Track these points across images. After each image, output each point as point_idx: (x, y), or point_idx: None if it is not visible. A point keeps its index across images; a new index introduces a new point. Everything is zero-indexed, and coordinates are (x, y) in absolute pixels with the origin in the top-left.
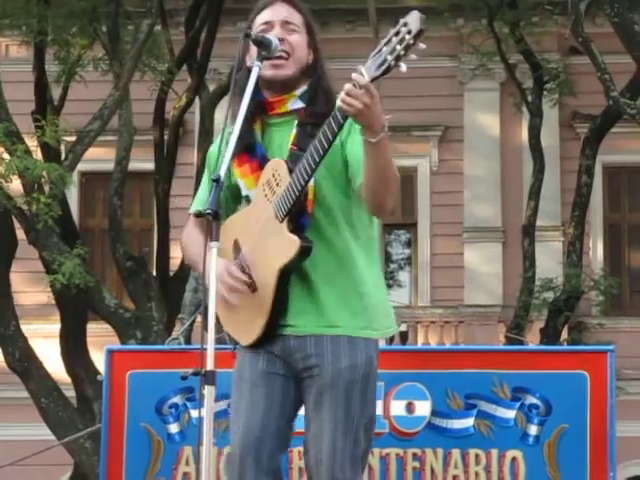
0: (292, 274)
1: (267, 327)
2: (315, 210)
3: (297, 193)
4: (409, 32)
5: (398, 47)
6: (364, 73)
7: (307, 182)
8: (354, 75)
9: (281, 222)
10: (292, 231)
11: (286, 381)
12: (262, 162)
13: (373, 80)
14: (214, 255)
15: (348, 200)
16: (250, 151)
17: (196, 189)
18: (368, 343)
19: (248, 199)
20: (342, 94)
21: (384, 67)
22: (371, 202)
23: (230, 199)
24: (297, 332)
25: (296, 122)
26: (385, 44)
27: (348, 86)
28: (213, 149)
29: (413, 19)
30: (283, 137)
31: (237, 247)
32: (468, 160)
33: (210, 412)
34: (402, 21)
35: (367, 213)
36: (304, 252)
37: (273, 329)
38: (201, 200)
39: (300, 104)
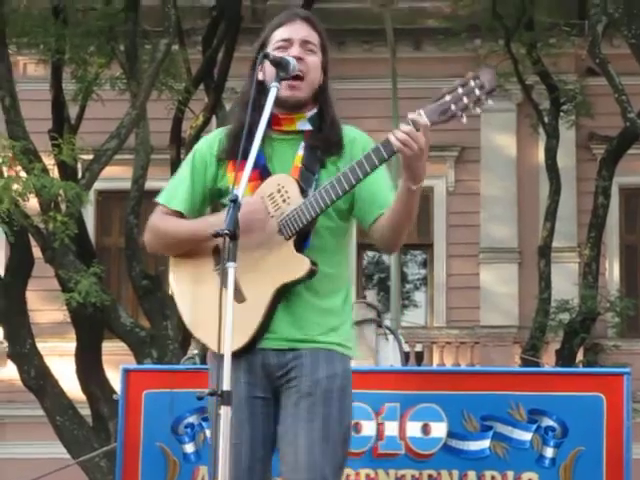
0: (287, 291)
1: (255, 337)
2: (317, 234)
3: (313, 215)
4: (481, 87)
5: (466, 99)
6: (424, 117)
7: (328, 207)
8: (414, 117)
9: (287, 240)
10: (297, 251)
11: (267, 403)
12: (263, 172)
13: (432, 125)
14: (231, 275)
15: (340, 228)
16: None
17: None
18: (344, 359)
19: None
20: (399, 133)
21: (447, 115)
22: (388, 239)
23: (203, 200)
24: (277, 345)
25: (303, 143)
26: (449, 92)
27: (408, 127)
28: (202, 147)
29: (488, 76)
30: (286, 154)
31: (218, 251)
32: (485, 181)
33: (227, 432)
34: (472, 74)
35: (348, 240)
36: (312, 273)
37: (257, 341)
38: (178, 196)
39: (308, 126)
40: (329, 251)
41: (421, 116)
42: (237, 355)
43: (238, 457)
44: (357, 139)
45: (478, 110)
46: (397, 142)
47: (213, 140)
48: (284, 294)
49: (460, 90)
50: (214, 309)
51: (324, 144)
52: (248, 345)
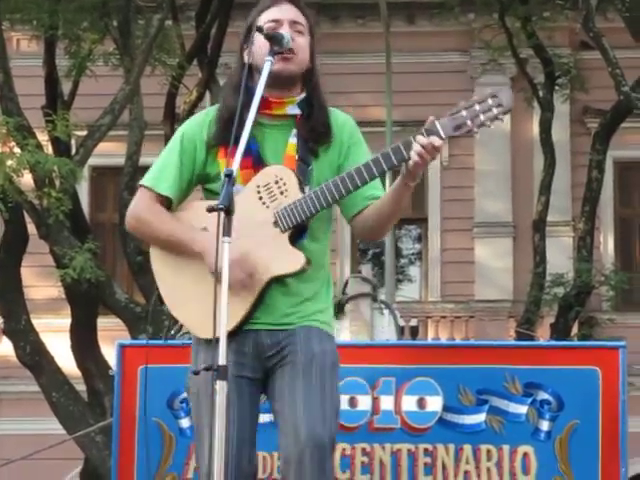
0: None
1: (242, 322)
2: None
3: (315, 211)
4: (499, 106)
5: (482, 117)
6: (439, 130)
7: (330, 205)
8: (431, 138)
9: (283, 232)
10: (292, 244)
11: (254, 384)
12: (255, 160)
13: (447, 139)
14: (227, 249)
15: (326, 214)
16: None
17: None
18: (332, 339)
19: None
20: (417, 147)
21: (463, 131)
22: (372, 232)
23: (190, 185)
24: (269, 327)
25: (294, 131)
26: (466, 108)
27: (424, 139)
28: (190, 130)
29: (506, 96)
30: (278, 141)
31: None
32: (478, 155)
33: (222, 407)
34: (490, 92)
35: (330, 224)
36: (303, 271)
37: (244, 324)
38: (165, 179)
39: (297, 110)
40: (315, 240)
41: (436, 127)
42: (228, 337)
43: (227, 437)
44: (345, 125)
45: (492, 126)
46: (415, 156)
47: (202, 123)
48: (274, 282)
49: (477, 107)
50: (197, 291)
51: (315, 134)
52: (235, 329)
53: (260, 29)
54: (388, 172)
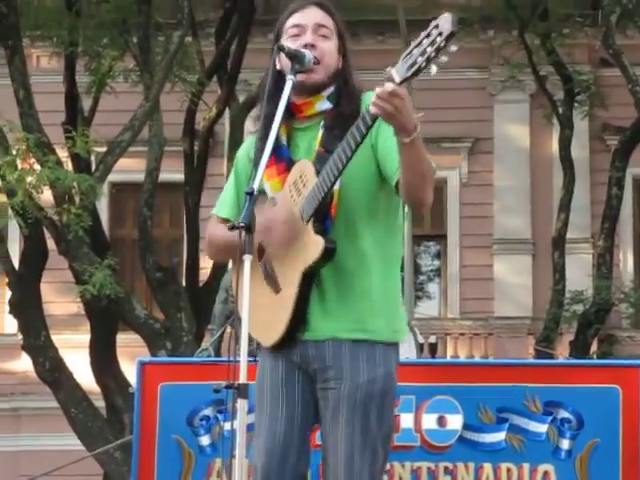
0: (315, 275)
1: (290, 327)
2: (339, 213)
3: (323, 195)
4: (440, 34)
5: (429, 49)
6: (394, 75)
7: (333, 184)
8: (385, 84)
9: (306, 223)
10: (317, 233)
11: (304, 389)
12: (289, 164)
13: (404, 81)
14: (247, 267)
15: (376, 201)
16: (276, 154)
17: None
18: (388, 351)
19: (274, 201)
20: (373, 97)
21: (414, 68)
22: (411, 197)
23: None
24: (316, 337)
25: (322, 124)
26: (416, 46)
27: (379, 89)
28: (241, 153)
29: (444, 21)
30: (310, 140)
31: (261, 248)
32: (498, 172)
33: (243, 426)
34: (433, 23)
35: (395, 217)
36: (328, 253)
37: (294, 331)
38: (226, 204)
39: (328, 104)
40: (361, 231)
41: (392, 77)
42: (276, 348)
43: (273, 442)
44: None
45: (444, 58)
46: (372, 107)
47: (250, 144)
48: (313, 280)
49: (425, 41)
50: (258, 299)
51: (340, 121)
52: (284, 338)
53: (282, 48)
54: (368, 132)
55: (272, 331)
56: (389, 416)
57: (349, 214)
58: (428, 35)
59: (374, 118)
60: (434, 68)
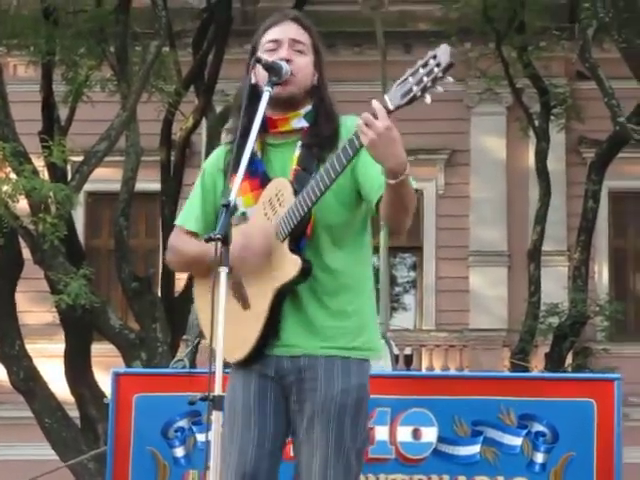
0: (287, 293)
1: (259, 343)
2: (314, 233)
3: (302, 214)
4: (438, 65)
5: (425, 79)
6: (387, 102)
7: (314, 204)
8: (374, 103)
9: (282, 242)
10: (291, 251)
11: (278, 405)
12: (263, 180)
13: (397, 109)
14: (223, 279)
15: (350, 222)
16: (251, 169)
17: None
18: (361, 367)
19: (244, 216)
20: (359, 122)
21: (409, 97)
22: (390, 224)
23: (216, 217)
24: (291, 352)
25: (299, 143)
26: (411, 74)
27: (365, 115)
28: (209, 164)
29: (443, 52)
30: (285, 158)
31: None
32: (474, 184)
33: (218, 437)
34: (431, 53)
35: (367, 234)
36: (305, 272)
37: (265, 347)
38: (192, 216)
39: (304, 123)
40: (335, 247)
41: (384, 100)
42: (248, 362)
43: (245, 449)
44: (354, 126)
45: (440, 89)
46: (361, 135)
47: (220, 154)
48: (284, 298)
49: (421, 70)
50: (227, 321)
51: (318, 140)
52: (254, 353)
53: (259, 60)
54: (356, 156)
55: (239, 347)
56: (363, 428)
57: (324, 234)
58: (425, 65)
59: (357, 149)
60: (428, 98)
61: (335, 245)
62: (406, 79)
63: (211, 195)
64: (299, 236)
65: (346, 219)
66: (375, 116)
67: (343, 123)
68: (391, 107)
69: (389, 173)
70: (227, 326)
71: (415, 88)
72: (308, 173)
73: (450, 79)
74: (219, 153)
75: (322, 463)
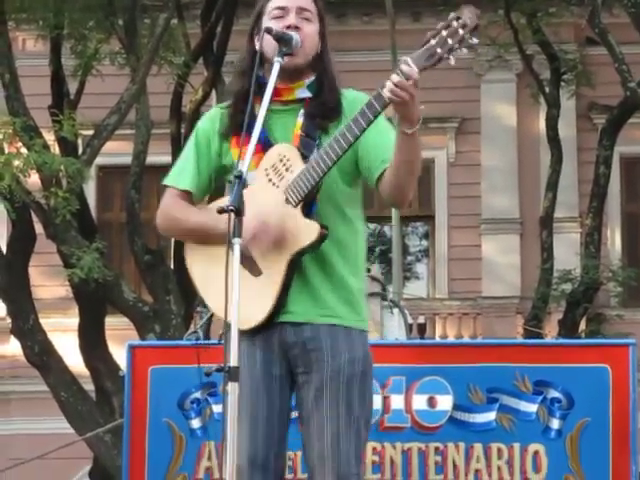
0: (302, 259)
1: (274, 310)
2: (321, 200)
3: (317, 178)
4: (463, 26)
5: (450, 40)
6: (411, 64)
7: (331, 168)
8: (403, 67)
9: (295, 207)
10: (306, 217)
11: (283, 379)
12: (265, 145)
13: (421, 71)
14: (237, 251)
15: (350, 192)
16: (251, 134)
17: None
18: (362, 336)
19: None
20: (389, 84)
21: (435, 59)
22: (395, 193)
23: (210, 178)
24: (294, 319)
25: (302, 111)
26: (433, 36)
27: (397, 77)
28: (203, 124)
29: (468, 14)
30: (287, 124)
31: None
32: (485, 152)
33: (234, 409)
34: (454, 15)
35: (361, 208)
36: (322, 237)
37: (274, 315)
38: (185, 174)
39: (307, 93)
40: (338, 219)
41: (409, 65)
42: (254, 331)
43: (255, 433)
44: (357, 99)
45: (465, 50)
46: (388, 93)
47: (215, 116)
48: (298, 265)
49: (444, 32)
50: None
51: (322, 110)
52: (267, 320)
53: (269, 30)
54: (376, 119)
55: (252, 314)
56: (369, 397)
57: (328, 203)
58: (448, 26)
59: (384, 105)
60: (452, 59)
61: (337, 216)
62: (428, 41)
63: (205, 154)
64: (311, 202)
65: (347, 191)
66: (405, 76)
67: (345, 95)
68: (416, 69)
69: (408, 124)
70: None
71: (440, 50)
72: (312, 139)
73: (475, 40)
74: (213, 115)
75: (334, 433)
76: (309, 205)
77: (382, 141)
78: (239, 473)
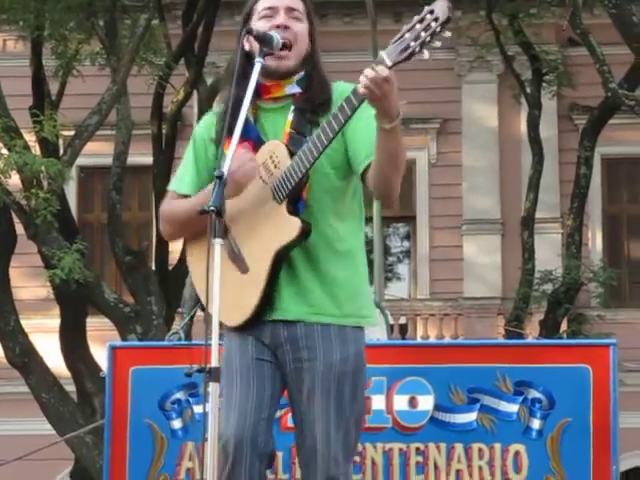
0: (286, 256)
1: (258, 308)
2: (310, 197)
3: (300, 175)
4: (436, 19)
5: (423, 34)
6: (385, 58)
7: (312, 164)
8: (377, 67)
9: (280, 203)
10: (290, 213)
11: (274, 367)
12: (256, 144)
13: (394, 65)
14: (218, 252)
15: (343, 187)
16: (243, 133)
17: None
18: (356, 333)
19: None
20: (362, 78)
21: (407, 52)
22: (379, 187)
23: (209, 182)
24: (286, 317)
25: (292, 107)
26: (408, 30)
27: (370, 72)
28: (200, 131)
29: (440, 7)
30: (278, 122)
31: (226, 227)
32: (466, 152)
33: (215, 409)
34: (428, 8)
35: (359, 205)
36: (304, 233)
37: (263, 313)
38: (185, 180)
39: (297, 89)
40: (329, 214)
41: (381, 57)
42: (244, 328)
43: (245, 415)
44: (345, 92)
45: (437, 43)
46: (362, 89)
47: (210, 120)
48: (282, 261)
49: (418, 26)
50: (223, 285)
51: (311, 105)
52: (252, 318)
53: (250, 30)
54: (354, 114)
55: (238, 311)
56: (361, 396)
57: (318, 199)
58: (422, 20)
59: (361, 100)
60: (427, 53)
61: (329, 212)
62: (403, 36)
63: (202, 159)
64: (296, 199)
65: (339, 185)
66: (375, 70)
67: (335, 89)
68: (389, 63)
69: (386, 119)
70: (227, 290)
71: (413, 44)
72: (302, 136)
73: (447, 33)
74: (208, 121)
75: (324, 430)
76: (294, 201)
77: (367, 135)
78: (225, 449)
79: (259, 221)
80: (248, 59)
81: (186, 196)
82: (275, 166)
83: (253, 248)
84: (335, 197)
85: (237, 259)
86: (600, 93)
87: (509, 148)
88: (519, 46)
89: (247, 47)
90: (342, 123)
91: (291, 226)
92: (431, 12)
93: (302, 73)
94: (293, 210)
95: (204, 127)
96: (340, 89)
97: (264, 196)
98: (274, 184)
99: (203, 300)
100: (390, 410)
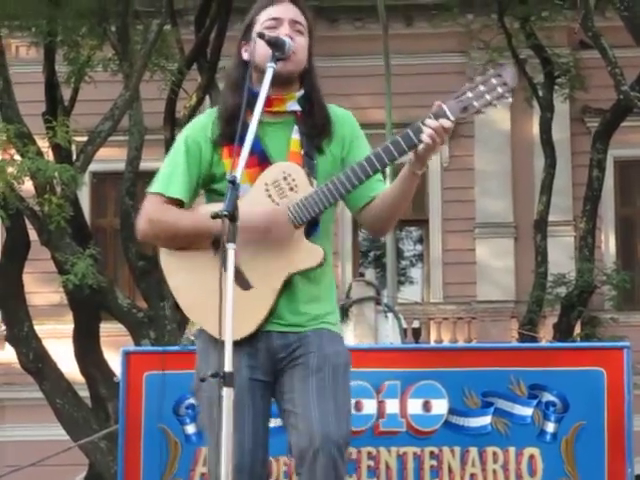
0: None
1: (263, 322)
2: (321, 221)
3: (327, 205)
4: (503, 85)
5: (488, 97)
6: (448, 113)
7: (342, 198)
8: (437, 111)
9: (297, 228)
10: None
11: (266, 386)
12: (260, 158)
13: (455, 121)
14: (231, 257)
15: (333, 213)
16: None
17: None
18: (342, 340)
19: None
20: (428, 130)
21: (470, 112)
22: (377, 225)
23: (198, 186)
24: (280, 329)
25: (296, 127)
26: (471, 89)
27: (433, 122)
28: (194, 132)
29: (510, 73)
30: (279, 138)
31: (217, 242)
32: (479, 156)
33: (229, 414)
34: (494, 71)
35: (332, 233)
36: (323, 264)
37: (261, 327)
38: (175, 182)
39: (297, 107)
40: (323, 237)
41: (443, 110)
42: (239, 343)
43: (241, 440)
44: (345, 119)
45: (499, 106)
46: (427, 138)
47: (206, 123)
48: (290, 282)
49: (482, 87)
50: (214, 295)
51: (317, 129)
52: (254, 332)
53: (262, 35)
54: (401, 157)
55: (242, 325)
56: (349, 391)
57: (325, 220)
58: (486, 81)
59: (413, 146)
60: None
61: (323, 235)
62: (464, 93)
63: (196, 162)
64: (314, 224)
65: (333, 210)
66: (439, 122)
67: (334, 114)
68: (452, 118)
69: (422, 165)
70: (212, 303)
71: (476, 104)
72: (311, 160)
73: (510, 100)
74: (204, 121)
75: (320, 411)
76: (310, 229)
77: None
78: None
79: (268, 240)
80: (244, 68)
81: (176, 199)
82: (291, 188)
83: (259, 265)
84: (329, 219)
85: (237, 275)
86: (612, 96)
87: (521, 151)
88: (531, 49)
89: (245, 56)
90: (386, 164)
91: (314, 254)
92: (499, 76)
93: (302, 91)
94: (309, 235)
95: (199, 128)
96: (340, 115)
97: (275, 215)
98: (294, 206)
99: (188, 313)
100: (404, 414)
